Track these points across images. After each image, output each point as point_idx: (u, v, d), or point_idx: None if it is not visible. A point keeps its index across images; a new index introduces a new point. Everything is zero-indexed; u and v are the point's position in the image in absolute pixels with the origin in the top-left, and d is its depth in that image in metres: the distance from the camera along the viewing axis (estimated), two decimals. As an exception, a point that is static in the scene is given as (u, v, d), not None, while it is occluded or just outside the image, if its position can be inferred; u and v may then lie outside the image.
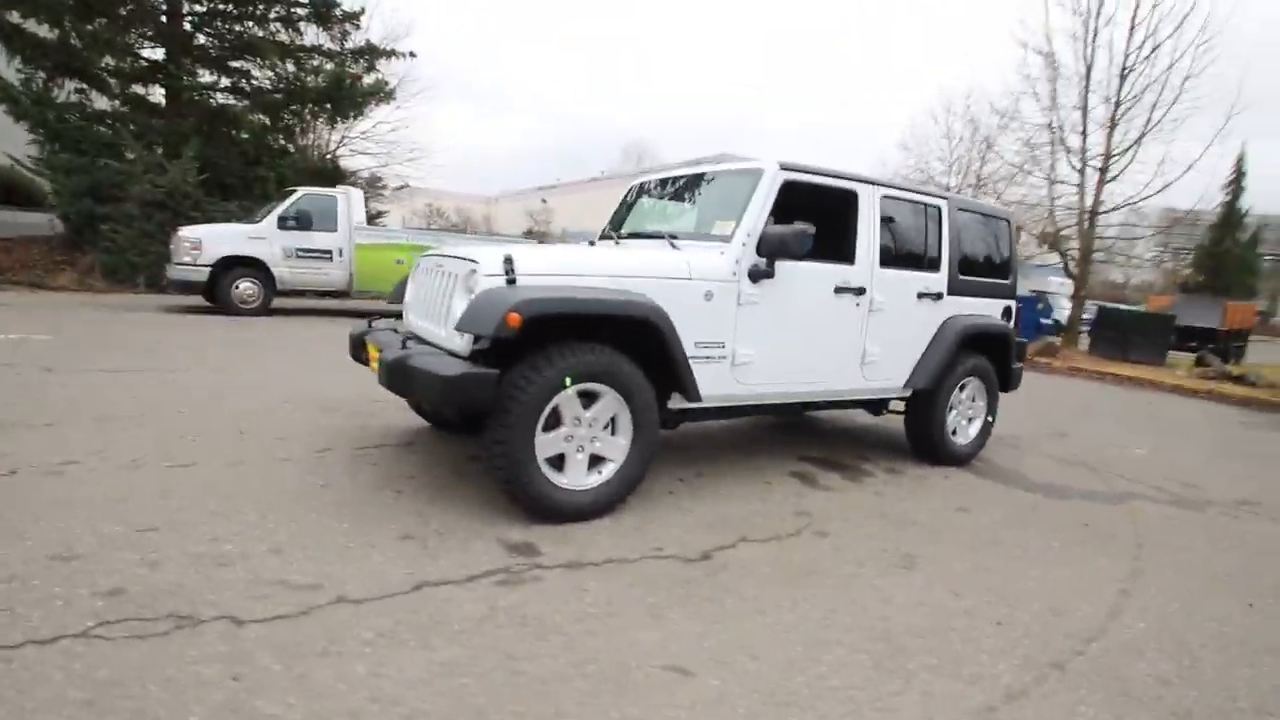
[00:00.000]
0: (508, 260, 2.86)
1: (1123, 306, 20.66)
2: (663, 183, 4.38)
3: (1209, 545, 3.46)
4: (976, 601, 2.56)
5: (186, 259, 8.74)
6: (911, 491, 3.90)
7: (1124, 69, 14.24)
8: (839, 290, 3.77)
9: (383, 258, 10.07)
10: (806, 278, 3.61)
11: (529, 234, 24.42)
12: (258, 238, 9.17)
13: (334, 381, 5.36)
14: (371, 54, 15.01)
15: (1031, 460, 4.93)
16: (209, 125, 12.72)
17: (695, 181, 4.09)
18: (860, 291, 3.85)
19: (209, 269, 8.81)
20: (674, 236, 3.66)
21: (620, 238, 4.12)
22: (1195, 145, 14.25)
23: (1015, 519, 3.58)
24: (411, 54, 15.55)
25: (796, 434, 5.04)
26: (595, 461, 3.03)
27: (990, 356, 4.63)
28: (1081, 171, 14.78)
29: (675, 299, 3.14)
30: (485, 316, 2.66)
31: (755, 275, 3.41)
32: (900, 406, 4.54)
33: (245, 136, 13.10)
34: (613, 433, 3.04)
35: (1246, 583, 3.00)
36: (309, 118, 14.61)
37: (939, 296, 4.30)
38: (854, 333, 3.90)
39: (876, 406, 4.48)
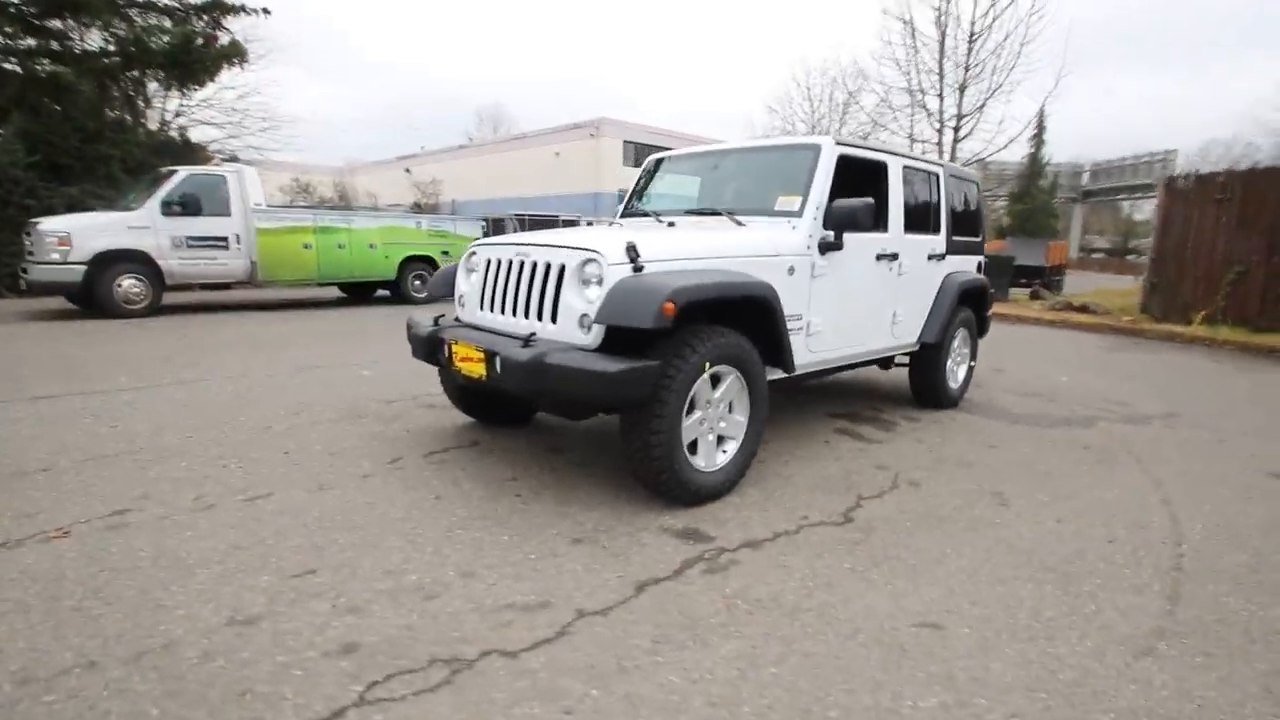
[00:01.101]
0: (631, 248, 2.79)
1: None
2: (694, 158, 4.38)
3: (1180, 453, 4.17)
4: (1079, 526, 2.95)
5: (53, 256, 7.36)
6: (942, 434, 4.32)
7: (971, 35, 15.83)
8: (879, 257, 4.03)
9: (288, 243, 9.09)
10: (859, 247, 3.82)
11: (417, 207, 22.90)
12: (139, 227, 7.90)
13: (323, 384, 4.91)
14: (217, 9, 13.12)
15: (997, 396, 5.58)
16: (30, 97, 10.57)
17: (741, 157, 4.13)
18: (894, 257, 4.14)
19: (83, 267, 7.49)
20: (733, 213, 3.71)
21: (660, 215, 4.08)
22: (1031, 104, 16.24)
23: (1037, 450, 4.09)
24: (265, 10, 13.80)
25: (808, 395, 5.34)
26: (719, 441, 3.08)
27: (972, 307, 5.16)
28: (940, 131, 16.37)
29: (770, 276, 3.22)
30: (638, 307, 2.60)
31: (824, 248, 3.57)
32: (904, 360, 4.95)
33: (76, 109, 11.06)
34: (730, 411, 3.10)
35: (1231, 479, 3.68)
36: (153, 85, 12.58)
37: (942, 257, 4.71)
38: (889, 295, 4.20)
39: (887, 362, 4.85)
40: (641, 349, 2.76)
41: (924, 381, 4.89)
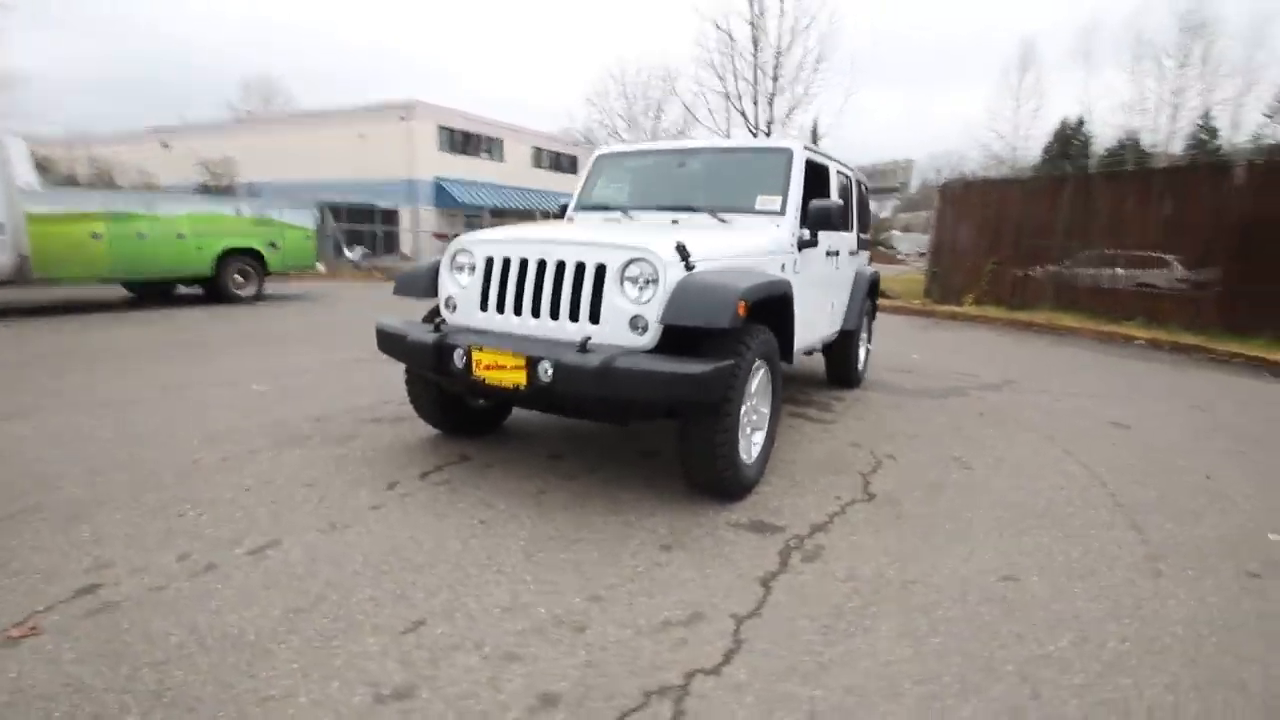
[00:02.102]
0: (682, 248, 2.76)
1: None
2: (652, 155, 4.37)
3: (1042, 414, 5.11)
4: (1031, 479, 3.52)
5: None
6: (872, 411, 4.82)
7: (778, 50, 17.46)
8: (828, 254, 4.39)
9: (71, 232, 7.31)
10: (818, 245, 4.12)
11: (206, 189, 19.38)
12: None
13: (219, 405, 4.16)
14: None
15: (879, 374, 6.35)
16: None
17: (709, 156, 4.20)
18: (836, 254, 4.53)
19: None
20: (714, 210, 3.79)
21: (629, 210, 4.02)
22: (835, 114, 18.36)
23: (951, 419, 4.74)
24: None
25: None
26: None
27: (870, 296, 5.80)
28: (755, 135, 17.84)
29: (777, 273, 3.38)
30: (713, 307, 2.59)
31: (801, 245, 3.81)
32: (819, 347, 5.43)
33: None
34: (756, 403, 3.20)
35: (1092, 430, 4.60)
36: None
37: (855, 252, 5.23)
38: (833, 288, 4.59)
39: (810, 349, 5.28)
40: (691, 349, 2.75)
41: (841, 364, 5.41)
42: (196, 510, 2.65)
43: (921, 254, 47.58)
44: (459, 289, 3.17)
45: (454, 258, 3.22)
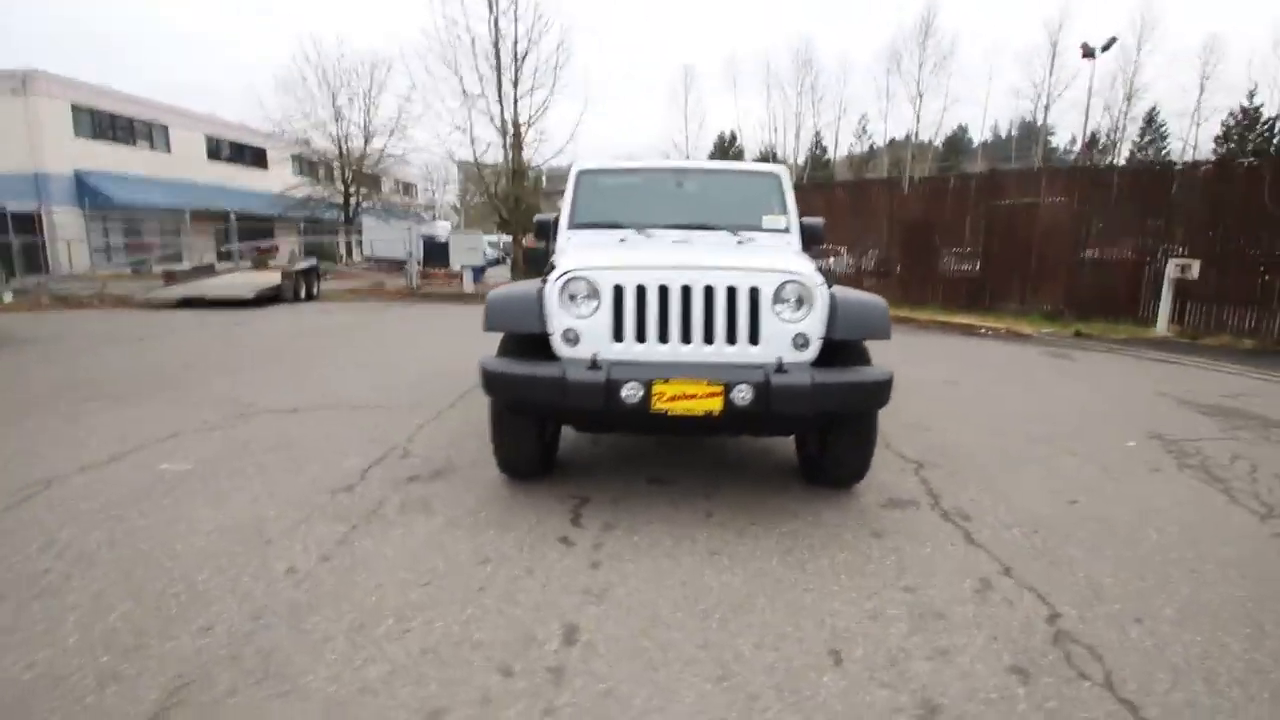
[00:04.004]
0: (821, 270, 3.07)
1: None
2: (643, 173, 4.41)
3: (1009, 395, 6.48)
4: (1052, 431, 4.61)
5: None
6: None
7: (516, 54, 17.57)
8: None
9: None
10: (804, 258, 4.68)
11: None
12: None
13: (177, 494, 3.07)
14: None
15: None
16: None
17: (704, 176, 4.40)
18: (782, 262, 5.14)
19: None
20: (732, 229, 4.08)
21: (642, 228, 4.04)
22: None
23: (937, 396, 5.76)
24: None
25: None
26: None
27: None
28: (504, 135, 17.75)
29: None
30: (874, 322, 2.96)
31: (804, 259, 4.32)
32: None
33: None
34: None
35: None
36: None
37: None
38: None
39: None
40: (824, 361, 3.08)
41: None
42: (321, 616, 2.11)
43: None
44: (579, 320, 2.96)
45: (569, 286, 2.99)
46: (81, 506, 2.99)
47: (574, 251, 3.49)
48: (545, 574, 2.46)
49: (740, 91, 79.81)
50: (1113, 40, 24.44)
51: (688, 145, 43.79)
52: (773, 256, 3.25)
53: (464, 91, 17.67)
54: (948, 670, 1.95)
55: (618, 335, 2.95)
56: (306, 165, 26.63)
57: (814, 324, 2.94)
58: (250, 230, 21.84)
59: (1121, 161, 33.23)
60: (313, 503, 3.08)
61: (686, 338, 2.94)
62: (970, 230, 12.47)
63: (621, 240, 3.88)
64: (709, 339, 2.94)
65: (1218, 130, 37.71)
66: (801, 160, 41.77)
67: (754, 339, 2.93)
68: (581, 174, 4.40)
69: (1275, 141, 35.37)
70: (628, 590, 2.36)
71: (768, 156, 42.12)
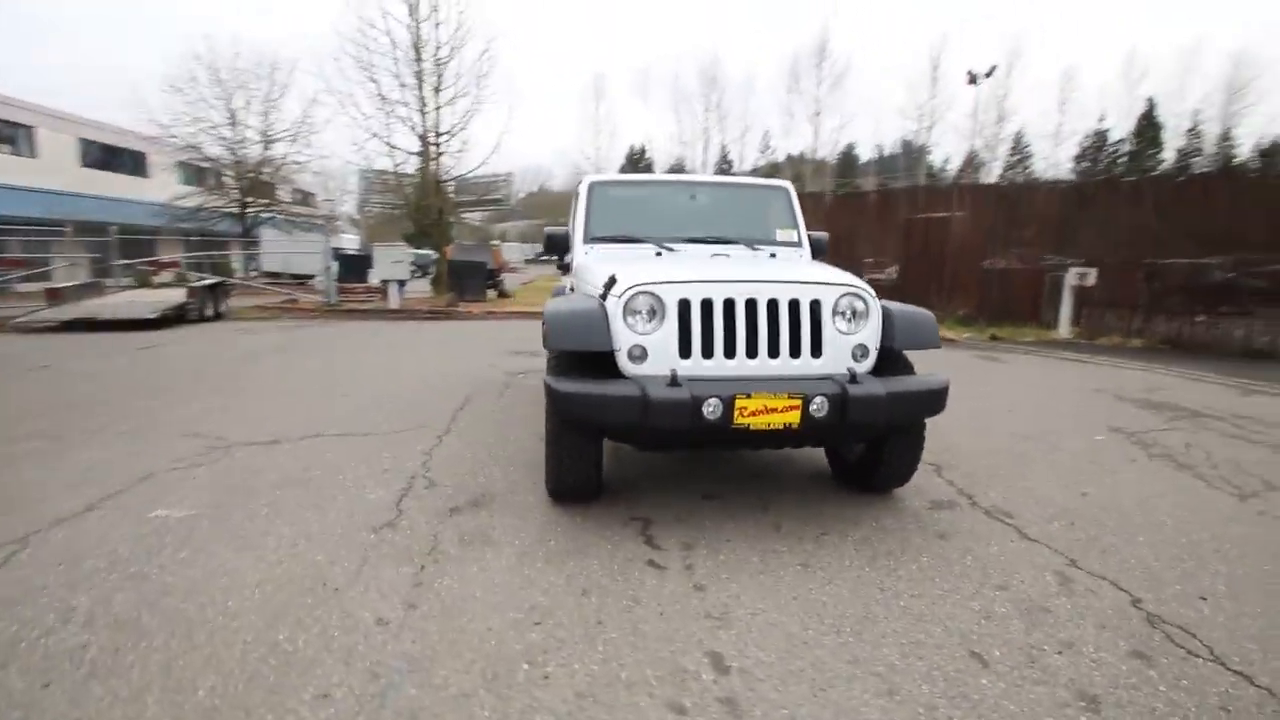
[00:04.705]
0: (871, 283, 3.17)
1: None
2: (658, 186, 4.37)
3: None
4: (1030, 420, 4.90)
5: None
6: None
7: (438, 60, 17.02)
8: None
9: None
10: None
11: None
12: None
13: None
14: None
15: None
16: None
17: (716, 190, 4.43)
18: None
19: None
20: (755, 244, 4.14)
21: (664, 243, 4.02)
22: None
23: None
24: None
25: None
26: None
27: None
28: (425, 143, 17.10)
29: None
30: (927, 333, 3.10)
31: (808, 272, 4.44)
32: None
33: None
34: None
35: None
36: None
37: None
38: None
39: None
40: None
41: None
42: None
43: (528, 260, 51.18)
44: (644, 336, 2.91)
45: (628, 304, 2.93)
46: (84, 566, 2.58)
47: (613, 266, 3.43)
48: (655, 602, 2.38)
49: (650, 105, 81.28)
50: (994, 68, 26.97)
51: (598, 157, 44.00)
52: (821, 270, 3.33)
53: (381, 97, 16.94)
54: (1081, 662, 2.06)
55: (684, 351, 2.92)
56: (195, 172, 24.44)
57: (871, 335, 3.03)
58: (131, 245, 19.77)
59: (994, 179, 36.47)
60: (360, 542, 2.82)
61: (752, 352, 2.95)
62: (891, 241, 13.31)
63: (658, 254, 3.86)
64: (774, 353, 2.96)
65: (1075, 150, 42.40)
66: (710, 174, 43.02)
67: (816, 351, 2.99)
68: (594, 186, 4.33)
69: (1121, 161, 40.13)
70: (748, 611, 2.32)
71: (678, 169, 43.04)
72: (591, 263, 3.83)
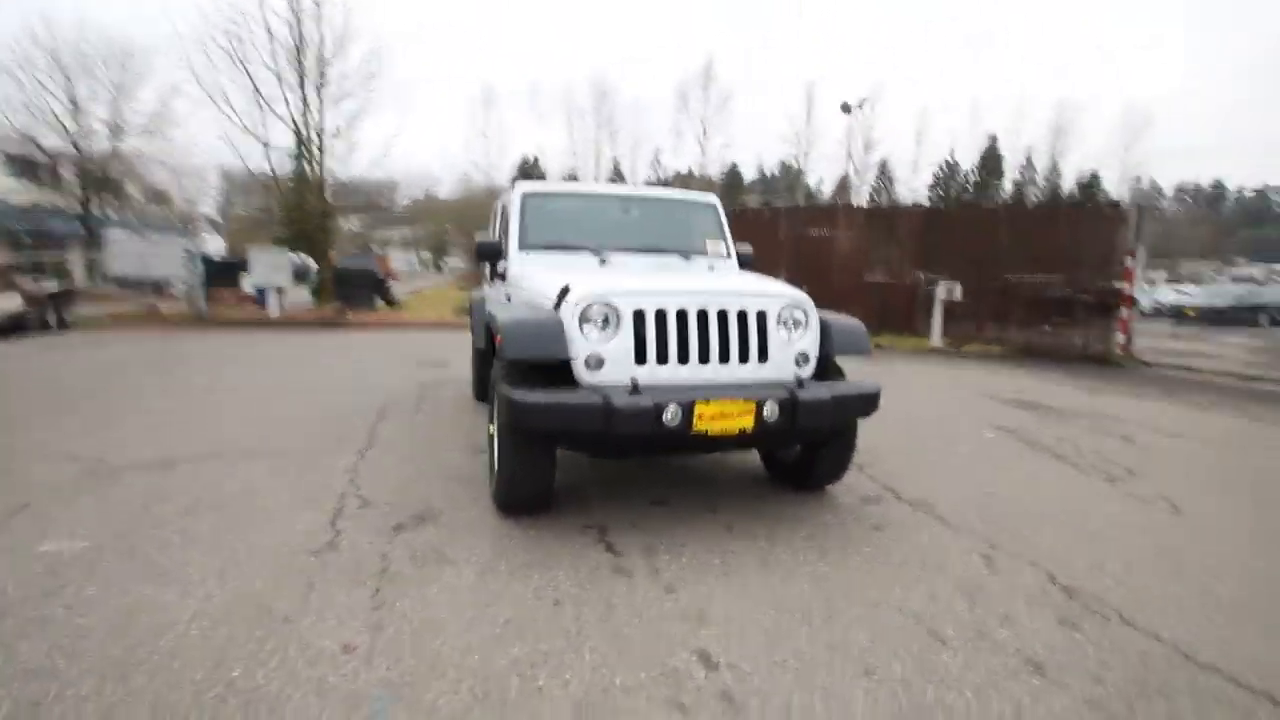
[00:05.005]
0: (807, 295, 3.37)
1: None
2: (591, 199, 4.38)
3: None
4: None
5: None
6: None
7: (321, 58, 16.08)
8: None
9: None
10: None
11: None
12: None
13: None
14: None
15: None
16: None
17: (646, 204, 4.49)
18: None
19: None
20: (688, 254, 4.25)
21: (598, 252, 4.03)
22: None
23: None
24: None
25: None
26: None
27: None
28: (305, 144, 16.06)
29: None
30: (862, 341, 3.32)
31: (735, 284, 4.62)
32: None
33: None
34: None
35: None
36: None
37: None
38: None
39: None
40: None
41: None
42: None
43: (413, 269, 49.13)
44: (600, 345, 2.93)
45: (584, 313, 2.93)
46: (-33, 616, 2.21)
47: (560, 274, 3.42)
48: (629, 607, 2.38)
49: (541, 117, 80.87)
50: (865, 100, 29.28)
51: (488, 165, 43.19)
52: (760, 282, 3.49)
53: (258, 91, 15.74)
54: (1021, 632, 2.29)
55: (640, 358, 2.96)
56: (27, 167, 21.41)
57: (811, 343, 3.22)
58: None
59: (864, 201, 39.46)
60: (300, 567, 2.61)
61: (704, 358, 3.05)
62: (783, 255, 14.04)
63: (602, 263, 3.87)
64: (724, 358, 3.07)
65: (930, 180, 46.85)
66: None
67: (763, 358, 3.13)
68: (527, 196, 4.28)
69: (969, 190, 44.77)
70: (721, 610, 2.38)
71: (571, 181, 43.08)
72: (532, 270, 3.79)
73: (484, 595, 2.44)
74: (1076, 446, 4.92)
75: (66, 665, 1.94)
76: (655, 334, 2.98)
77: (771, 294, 3.21)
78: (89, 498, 3.32)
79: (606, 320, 2.96)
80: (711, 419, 2.84)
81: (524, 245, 4.09)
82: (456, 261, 48.04)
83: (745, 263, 4.55)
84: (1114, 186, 43.57)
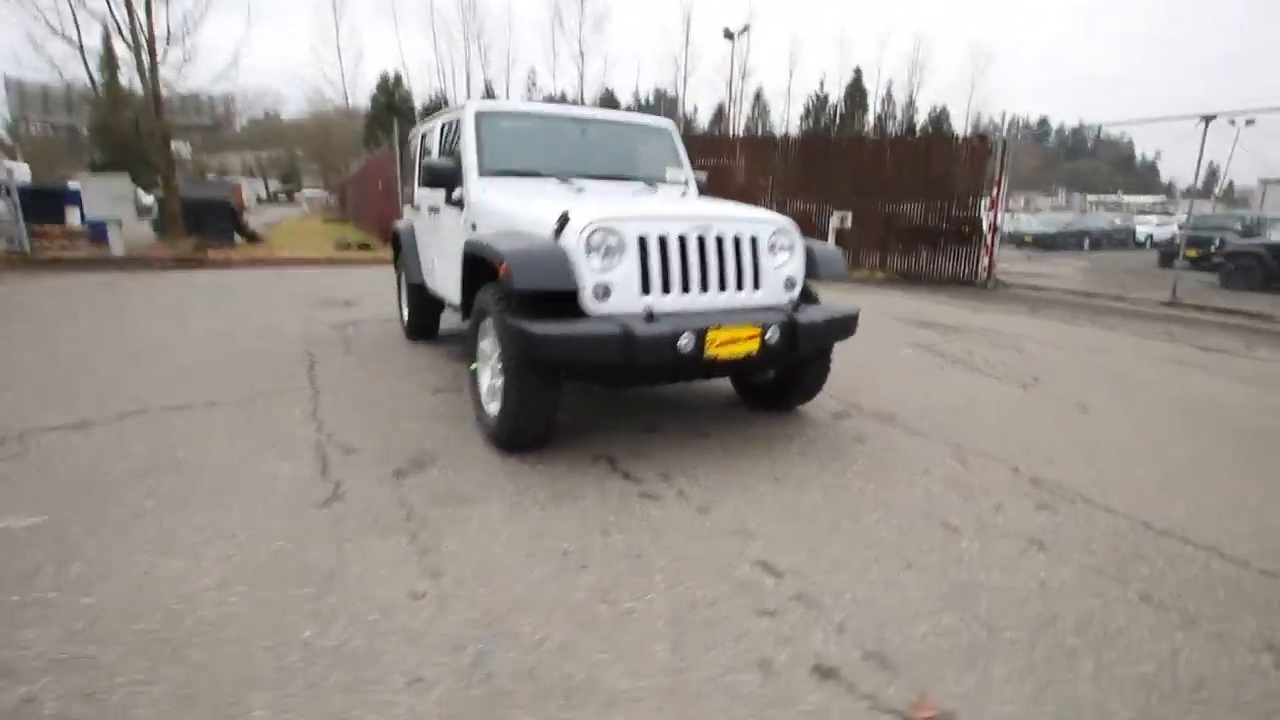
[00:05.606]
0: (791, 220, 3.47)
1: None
2: (548, 120, 4.10)
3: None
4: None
5: None
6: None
7: (141, -57, 13.48)
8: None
9: None
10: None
11: None
12: None
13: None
14: None
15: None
16: None
17: (605, 127, 4.27)
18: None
19: None
20: (652, 180, 4.18)
21: (564, 178, 3.87)
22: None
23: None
24: None
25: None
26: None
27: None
28: (137, 52, 13.64)
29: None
30: (840, 266, 3.47)
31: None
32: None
33: None
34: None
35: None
36: None
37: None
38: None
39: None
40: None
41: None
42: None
43: (261, 199, 44.17)
44: (607, 274, 2.87)
45: (588, 240, 2.84)
46: (-78, 608, 1.87)
47: (543, 202, 3.29)
48: (675, 530, 2.46)
49: (402, 29, 73.37)
50: (747, 26, 29.26)
51: (344, 83, 39.11)
52: (741, 208, 3.52)
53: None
54: (1012, 516, 2.63)
55: (646, 287, 2.94)
56: None
57: (797, 268, 3.33)
58: None
59: (740, 130, 40.11)
60: (314, 521, 2.42)
61: (705, 285, 3.08)
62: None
63: (579, 191, 3.71)
64: (723, 285, 3.12)
65: (802, 110, 48.31)
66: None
67: (756, 284, 3.21)
68: (481, 116, 3.99)
69: (836, 121, 46.74)
70: (756, 524, 2.52)
71: (438, 103, 40.05)
72: (503, 197, 3.57)
73: (525, 529, 2.41)
74: (985, 358, 5.52)
75: (100, 651, 1.72)
76: (660, 261, 2.96)
77: (762, 219, 3.26)
78: (5, 466, 2.84)
79: (609, 248, 2.89)
80: (720, 345, 2.89)
81: (484, 171, 3.83)
82: (311, 191, 43.77)
83: (701, 189, 4.56)
84: (959, 122, 47.29)
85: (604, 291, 2.86)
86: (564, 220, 2.91)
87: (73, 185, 15.92)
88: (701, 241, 3.05)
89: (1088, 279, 13.01)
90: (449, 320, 5.68)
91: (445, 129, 4.44)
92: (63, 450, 3.05)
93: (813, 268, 3.39)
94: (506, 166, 3.88)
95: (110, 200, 11.33)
